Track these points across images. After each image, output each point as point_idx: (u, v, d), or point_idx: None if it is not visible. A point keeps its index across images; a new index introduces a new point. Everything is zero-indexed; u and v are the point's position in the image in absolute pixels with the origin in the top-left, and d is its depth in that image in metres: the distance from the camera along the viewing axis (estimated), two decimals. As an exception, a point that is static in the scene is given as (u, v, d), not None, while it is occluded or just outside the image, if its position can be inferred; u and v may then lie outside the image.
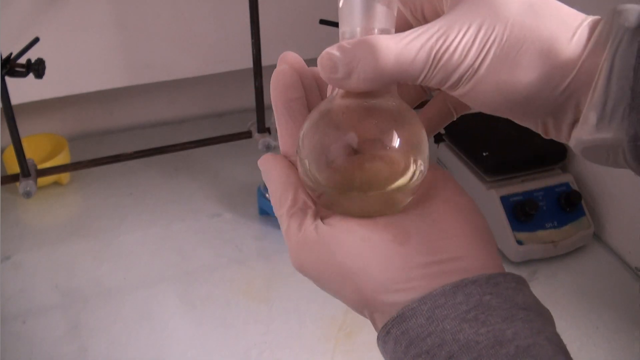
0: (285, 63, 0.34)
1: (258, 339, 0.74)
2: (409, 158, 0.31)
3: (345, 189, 0.31)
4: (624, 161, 0.29)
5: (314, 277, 0.33)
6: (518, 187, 0.85)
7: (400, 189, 0.31)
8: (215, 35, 1.03)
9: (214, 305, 0.79)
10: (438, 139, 0.97)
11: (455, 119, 0.37)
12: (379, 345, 0.31)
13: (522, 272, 0.84)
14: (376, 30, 0.31)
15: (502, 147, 0.87)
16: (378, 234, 0.31)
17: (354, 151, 0.30)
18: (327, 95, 0.33)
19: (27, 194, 0.81)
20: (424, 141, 0.32)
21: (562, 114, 0.30)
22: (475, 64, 0.29)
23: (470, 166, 0.90)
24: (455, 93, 0.30)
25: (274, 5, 1.03)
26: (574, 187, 0.87)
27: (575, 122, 0.30)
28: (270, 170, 0.34)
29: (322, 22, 0.88)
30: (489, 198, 0.84)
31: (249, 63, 0.84)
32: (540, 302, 0.31)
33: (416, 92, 0.37)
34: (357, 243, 0.31)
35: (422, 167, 0.31)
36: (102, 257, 0.86)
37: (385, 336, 0.30)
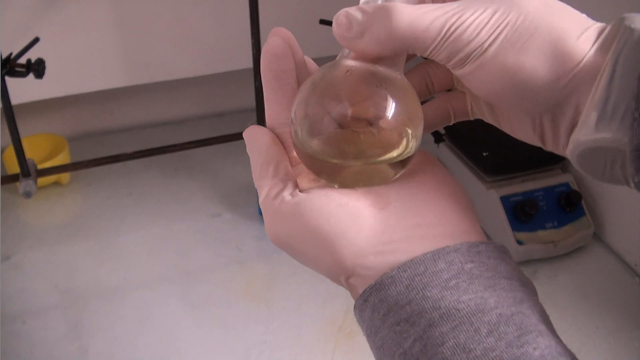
0: (277, 36, 0.34)
1: (258, 339, 0.74)
2: (405, 130, 0.31)
3: (338, 157, 0.31)
4: (621, 171, 0.29)
5: (289, 246, 0.32)
6: (518, 187, 0.85)
7: (393, 160, 0.31)
8: (215, 35, 1.03)
9: (214, 305, 0.79)
10: (438, 139, 0.97)
11: (451, 124, 0.37)
12: (355, 314, 0.31)
13: (522, 272, 0.84)
14: None
15: (502, 147, 0.87)
16: (356, 200, 0.30)
17: (350, 120, 0.30)
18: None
19: (27, 194, 0.81)
20: (421, 117, 0.31)
21: (561, 114, 0.30)
22: (485, 43, 0.29)
23: (470, 166, 0.90)
24: (460, 72, 0.31)
25: (274, 5, 1.03)
26: (574, 187, 0.87)
27: (573, 126, 0.30)
28: (253, 141, 0.34)
29: (322, 22, 0.88)
30: (489, 198, 0.84)
31: (249, 63, 0.84)
32: (523, 272, 0.31)
33: (420, 89, 0.37)
34: (334, 208, 0.30)
35: (415, 142, 0.31)
36: (102, 257, 0.86)
37: (363, 304, 0.29)
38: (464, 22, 0.29)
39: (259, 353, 0.72)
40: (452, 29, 0.29)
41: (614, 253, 0.88)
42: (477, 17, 0.29)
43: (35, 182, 0.82)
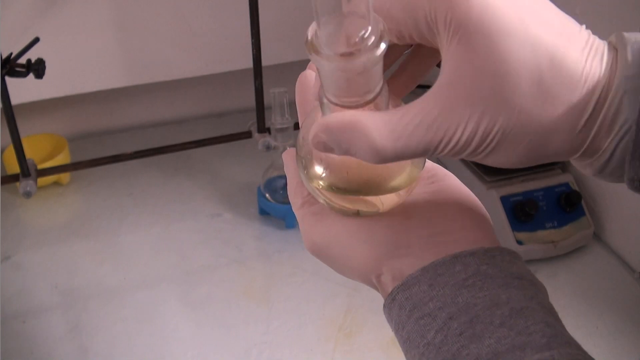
0: (310, 69, 0.36)
1: (258, 339, 0.74)
2: (402, 165, 0.32)
3: (341, 191, 0.32)
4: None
5: (325, 253, 0.35)
6: (518, 187, 0.85)
7: (393, 190, 0.32)
8: (215, 35, 1.03)
9: (214, 305, 0.79)
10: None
11: (439, 60, 0.34)
12: (385, 312, 0.34)
13: (522, 272, 0.84)
14: (362, 94, 0.28)
15: (502, 147, 0.87)
16: (384, 213, 0.34)
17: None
18: None
19: (27, 194, 0.81)
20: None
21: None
22: (478, 151, 0.28)
23: (470, 166, 0.90)
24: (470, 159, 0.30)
25: (274, 5, 1.03)
26: (574, 187, 0.87)
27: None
28: (290, 163, 0.37)
29: (322, 22, 0.88)
30: (489, 198, 0.84)
31: (249, 63, 0.84)
32: (533, 274, 0.33)
33: (406, 83, 0.35)
34: (365, 219, 0.34)
35: (414, 173, 0.32)
36: (102, 257, 0.86)
37: (391, 302, 0.32)
38: (450, 140, 0.27)
39: (259, 353, 0.72)
40: (441, 147, 0.28)
41: (614, 253, 0.88)
42: (464, 133, 0.27)
43: (35, 182, 0.82)
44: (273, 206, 0.90)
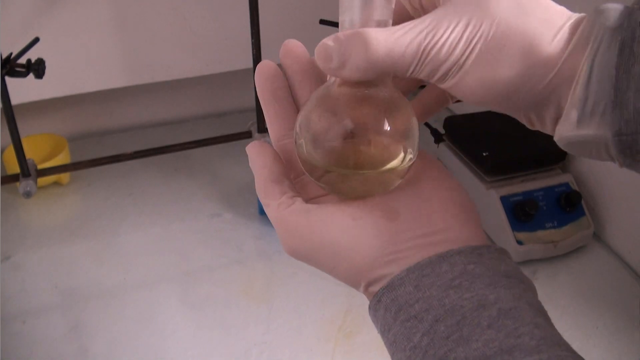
0: (287, 51, 0.36)
1: (258, 339, 0.74)
2: (399, 143, 0.33)
3: (341, 168, 0.33)
4: (607, 154, 0.31)
5: (307, 258, 0.34)
6: (518, 187, 0.85)
7: (391, 170, 0.33)
8: (215, 35, 1.03)
9: (214, 305, 0.79)
10: (438, 139, 0.96)
11: (450, 104, 0.39)
12: (370, 314, 0.33)
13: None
14: (373, 22, 0.32)
15: (502, 147, 0.87)
16: (368, 212, 0.33)
17: (350, 135, 0.32)
18: (327, 80, 0.35)
19: (27, 194, 0.81)
20: (414, 128, 0.34)
21: (545, 110, 0.32)
22: (461, 60, 0.30)
23: (470, 166, 0.90)
24: (443, 85, 0.32)
25: (274, 5, 1.03)
26: (574, 187, 0.87)
27: (558, 117, 0.32)
28: (256, 158, 0.35)
29: (322, 22, 0.88)
30: (489, 198, 0.84)
31: (249, 63, 0.84)
32: (523, 272, 0.33)
33: (412, 80, 0.38)
34: (347, 222, 0.32)
35: (411, 152, 0.33)
36: (102, 257, 0.86)
37: (377, 304, 0.32)
38: (437, 41, 0.30)
39: (259, 353, 0.72)
40: (427, 49, 0.30)
41: (614, 253, 0.88)
42: (450, 34, 0.30)
43: (35, 182, 0.82)
44: (273, 206, 0.90)
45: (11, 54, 0.73)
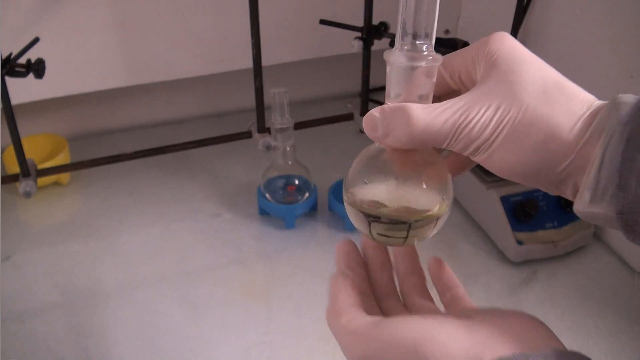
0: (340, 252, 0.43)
1: (258, 339, 0.74)
2: (437, 195, 0.38)
3: (387, 215, 0.37)
4: (616, 227, 0.34)
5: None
6: (518, 187, 0.85)
7: (430, 217, 0.38)
8: (215, 35, 1.03)
9: (214, 305, 0.79)
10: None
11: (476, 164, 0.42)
12: None
13: (522, 272, 0.84)
14: (416, 96, 0.37)
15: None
16: (444, 320, 0.33)
17: (394, 187, 0.38)
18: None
19: (27, 194, 0.81)
20: (449, 183, 0.39)
21: (564, 187, 0.36)
22: (490, 139, 0.35)
23: (470, 166, 0.90)
24: (474, 159, 0.36)
25: (274, 5, 1.03)
26: (574, 187, 0.87)
27: (576, 192, 0.35)
28: (338, 290, 0.39)
29: (322, 22, 0.88)
30: (489, 198, 0.84)
31: (249, 63, 0.84)
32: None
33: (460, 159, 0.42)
34: (433, 329, 0.33)
35: (447, 202, 0.38)
36: (102, 257, 0.86)
37: None
38: (470, 121, 0.34)
39: (259, 353, 0.72)
40: (461, 128, 0.34)
41: (613, 253, 0.88)
42: (482, 116, 0.34)
43: (35, 182, 0.82)
44: (273, 206, 0.90)
45: (11, 53, 0.73)
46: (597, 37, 0.83)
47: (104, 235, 0.90)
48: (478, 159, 0.36)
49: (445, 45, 0.82)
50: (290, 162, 0.89)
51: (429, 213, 0.38)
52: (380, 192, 0.38)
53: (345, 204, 0.40)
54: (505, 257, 0.85)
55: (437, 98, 0.40)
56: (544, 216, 0.85)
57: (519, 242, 0.83)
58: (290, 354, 0.72)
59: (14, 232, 0.91)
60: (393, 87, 0.37)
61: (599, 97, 0.36)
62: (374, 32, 0.88)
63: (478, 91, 0.35)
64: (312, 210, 0.93)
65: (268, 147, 0.88)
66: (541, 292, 0.81)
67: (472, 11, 1.14)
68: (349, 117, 0.98)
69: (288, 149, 0.87)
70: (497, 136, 0.34)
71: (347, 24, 0.88)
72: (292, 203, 0.90)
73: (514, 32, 0.94)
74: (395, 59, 0.37)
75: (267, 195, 0.90)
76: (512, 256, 0.84)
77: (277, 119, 0.84)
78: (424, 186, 0.38)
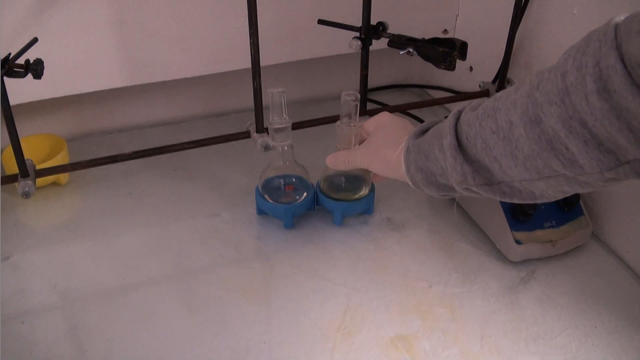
0: None
1: (257, 338, 0.74)
2: (364, 186, 0.87)
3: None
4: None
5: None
6: (517, 186, 0.85)
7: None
8: (214, 35, 1.03)
9: (213, 305, 0.79)
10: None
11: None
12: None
13: (521, 272, 0.84)
14: (345, 148, 0.83)
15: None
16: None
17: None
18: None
19: (26, 195, 0.81)
20: (368, 180, 0.90)
21: (401, 177, 0.72)
22: (364, 164, 0.77)
23: (468, 166, 0.90)
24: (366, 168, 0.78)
25: (272, 5, 1.03)
26: (573, 186, 0.87)
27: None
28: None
29: (321, 22, 0.88)
30: (488, 198, 0.84)
31: (248, 63, 0.84)
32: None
33: None
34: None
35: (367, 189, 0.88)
36: (101, 257, 0.86)
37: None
38: (355, 162, 0.80)
39: (258, 353, 0.72)
40: (351, 162, 0.81)
41: (612, 252, 0.88)
42: (358, 160, 0.79)
43: (34, 182, 0.82)
44: (271, 206, 0.90)
45: (10, 54, 0.73)
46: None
47: (103, 235, 0.90)
48: (368, 168, 0.77)
49: (444, 45, 0.83)
50: (288, 162, 0.89)
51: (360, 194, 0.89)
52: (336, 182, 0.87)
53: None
54: (504, 256, 0.85)
55: (360, 142, 0.81)
56: (543, 216, 0.85)
57: (518, 242, 0.83)
58: (290, 354, 0.72)
59: (13, 232, 0.91)
60: (338, 142, 0.82)
61: None
62: (372, 32, 0.88)
63: (361, 145, 0.79)
64: (310, 210, 0.94)
65: (266, 147, 0.88)
66: (540, 292, 0.81)
67: (470, 11, 1.15)
68: (347, 117, 0.98)
69: (286, 148, 0.87)
70: (367, 162, 0.76)
71: (346, 24, 0.88)
72: (290, 203, 0.90)
73: (512, 32, 0.94)
74: (338, 128, 0.82)
75: (265, 195, 0.90)
76: (510, 256, 0.84)
77: (275, 119, 0.84)
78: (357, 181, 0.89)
